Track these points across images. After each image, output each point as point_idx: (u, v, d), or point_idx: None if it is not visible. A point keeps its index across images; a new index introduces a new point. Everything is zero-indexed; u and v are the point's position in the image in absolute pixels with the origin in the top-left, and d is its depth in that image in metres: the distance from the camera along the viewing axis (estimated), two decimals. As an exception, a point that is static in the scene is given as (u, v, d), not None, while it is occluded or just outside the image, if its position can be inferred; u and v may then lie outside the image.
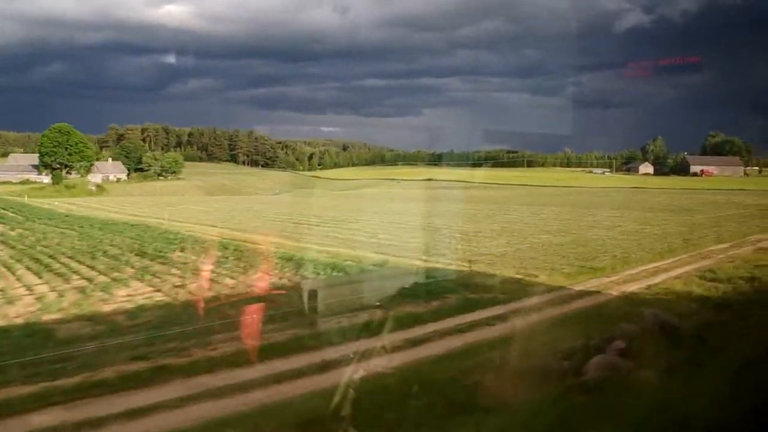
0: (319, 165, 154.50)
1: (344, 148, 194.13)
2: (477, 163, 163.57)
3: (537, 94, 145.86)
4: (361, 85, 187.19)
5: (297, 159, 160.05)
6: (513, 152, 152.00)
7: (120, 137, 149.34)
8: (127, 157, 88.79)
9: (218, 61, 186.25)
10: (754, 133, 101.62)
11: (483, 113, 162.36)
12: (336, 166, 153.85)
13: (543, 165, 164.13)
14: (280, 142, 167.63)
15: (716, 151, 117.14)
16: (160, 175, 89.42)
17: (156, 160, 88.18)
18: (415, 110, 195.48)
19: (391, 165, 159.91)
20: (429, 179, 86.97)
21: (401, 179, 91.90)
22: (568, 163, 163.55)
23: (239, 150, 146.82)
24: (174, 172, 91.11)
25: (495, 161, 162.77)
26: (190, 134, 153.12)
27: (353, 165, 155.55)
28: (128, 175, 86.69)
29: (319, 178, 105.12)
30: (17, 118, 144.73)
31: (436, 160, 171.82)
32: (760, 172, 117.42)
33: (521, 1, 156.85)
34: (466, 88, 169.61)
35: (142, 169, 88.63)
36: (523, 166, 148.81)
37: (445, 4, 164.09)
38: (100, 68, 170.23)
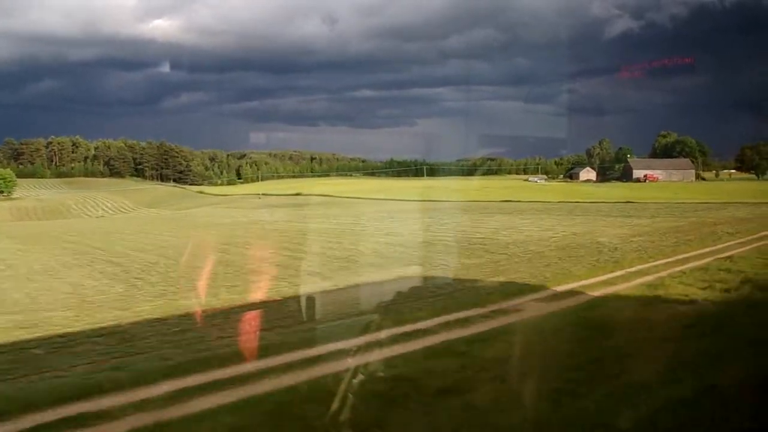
0: (239, 178, 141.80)
1: (311, 160, 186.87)
2: (420, 171, 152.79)
3: (529, 102, 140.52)
4: (353, 96, 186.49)
5: (222, 172, 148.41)
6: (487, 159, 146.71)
7: (15, 152, 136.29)
8: (-61, 175, 74.54)
9: (209, 75, 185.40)
10: (745, 133, 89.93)
11: (476, 122, 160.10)
12: (260, 179, 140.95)
13: (497, 173, 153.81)
14: (242, 154, 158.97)
15: (667, 152, 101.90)
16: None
17: (-30, 178, 73.91)
18: (408, 120, 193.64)
19: (324, 176, 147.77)
20: (297, 194, 72.28)
21: (268, 194, 77.54)
22: (525, 170, 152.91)
23: (146, 164, 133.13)
24: (1, 191, 76.72)
25: (432, 169, 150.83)
26: (96, 148, 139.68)
27: (278, 177, 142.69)
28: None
29: (204, 194, 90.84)
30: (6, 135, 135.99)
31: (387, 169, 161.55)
32: (716, 176, 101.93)
33: (509, 9, 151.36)
34: (458, 98, 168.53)
35: (-42, 189, 74.30)
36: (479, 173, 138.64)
37: (433, 14, 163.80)
38: (90, 84, 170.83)
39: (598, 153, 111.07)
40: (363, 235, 25.57)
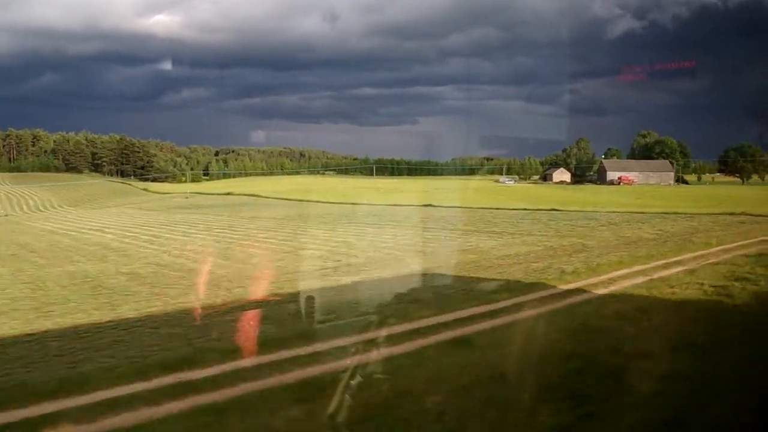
0: (205, 175, 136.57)
1: (300, 157, 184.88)
2: (396, 170, 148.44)
3: (531, 101, 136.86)
4: (355, 94, 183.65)
5: (192, 168, 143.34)
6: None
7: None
8: None
9: (210, 71, 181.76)
10: (743, 135, 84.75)
11: (477, 121, 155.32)
12: (226, 176, 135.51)
13: (477, 172, 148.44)
14: (230, 150, 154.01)
15: (645, 153, 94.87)
16: None
17: None
18: (410, 119, 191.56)
19: (294, 174, 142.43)
20: (228, 193, 66.31)
21: (202, 193, 71.72)
22: (508, 170, 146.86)
23: (104, 158, 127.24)
24: None
25: (408, 168, 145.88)
26: (54, 141, 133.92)
27: (246, 175, 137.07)
28: None
29: (147, 191, 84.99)
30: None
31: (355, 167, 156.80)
32: (699, 179, 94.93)
33: (510, 8, 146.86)
34: (460, 96, 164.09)
35: None
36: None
37: (432, 11, 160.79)
38: (91, 78, 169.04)
39: (575, 153, 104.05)
40: (130, 252, 19.42)
